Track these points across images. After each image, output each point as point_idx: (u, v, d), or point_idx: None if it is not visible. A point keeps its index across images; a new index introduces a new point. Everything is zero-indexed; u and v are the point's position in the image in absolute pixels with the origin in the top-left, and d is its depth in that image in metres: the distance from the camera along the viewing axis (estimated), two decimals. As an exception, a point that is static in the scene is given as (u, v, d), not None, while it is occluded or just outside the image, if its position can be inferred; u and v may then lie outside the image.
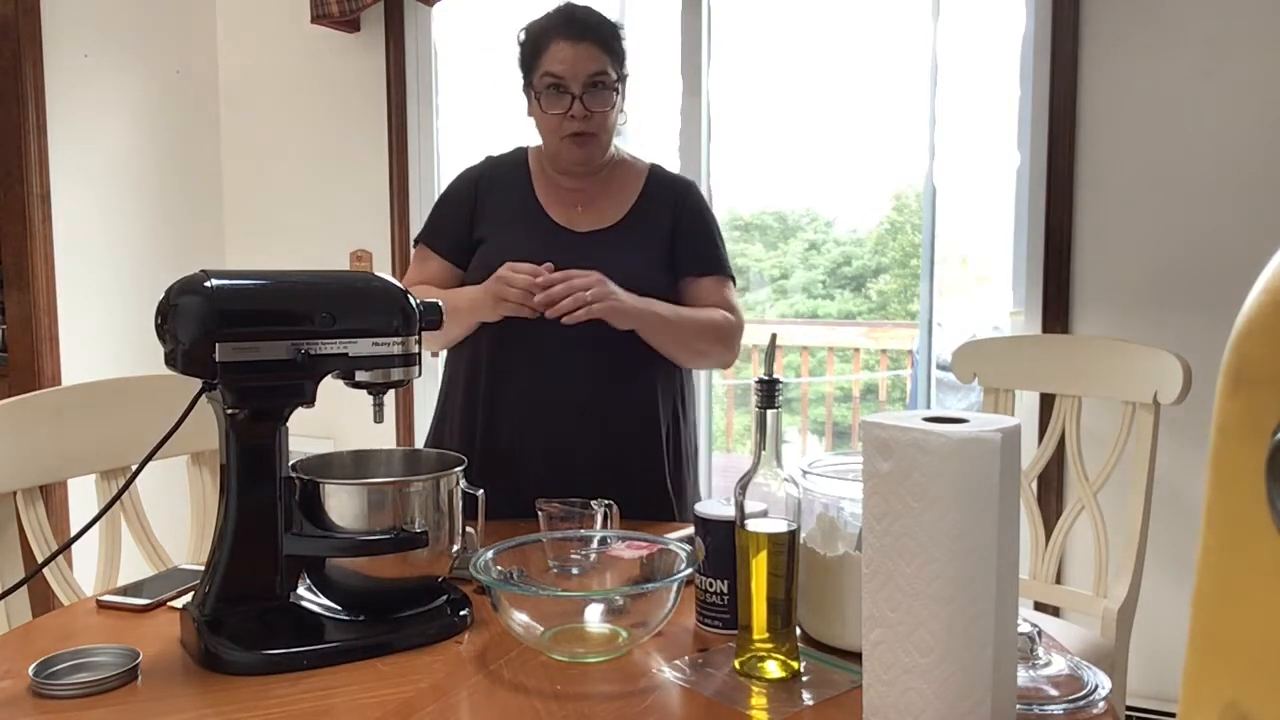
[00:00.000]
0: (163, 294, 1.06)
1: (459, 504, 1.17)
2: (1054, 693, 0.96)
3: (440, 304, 1.21)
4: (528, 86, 1.62)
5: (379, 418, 1.19)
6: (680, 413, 1.70)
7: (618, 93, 1.60)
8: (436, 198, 1.76)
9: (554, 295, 1.45)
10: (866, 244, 7.19)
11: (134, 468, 1.14)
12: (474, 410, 1.62)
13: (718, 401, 6.04)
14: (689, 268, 1.67)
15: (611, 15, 1.63)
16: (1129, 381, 1.82)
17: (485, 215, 1.67)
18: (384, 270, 3.06)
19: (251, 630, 1.05)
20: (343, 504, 1.10)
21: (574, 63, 1.55)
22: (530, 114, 1.64)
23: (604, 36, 1.58)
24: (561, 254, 1.54)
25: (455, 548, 1.17)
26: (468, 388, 1.63)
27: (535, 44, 1.59)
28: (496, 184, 1.69)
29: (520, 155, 1.73)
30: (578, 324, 1.46)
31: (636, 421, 1.62)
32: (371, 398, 1.17)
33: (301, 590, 1.14)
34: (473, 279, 1.60)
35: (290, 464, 1.12)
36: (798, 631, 1.05)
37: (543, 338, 1.53)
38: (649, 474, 1.63)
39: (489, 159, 1.74)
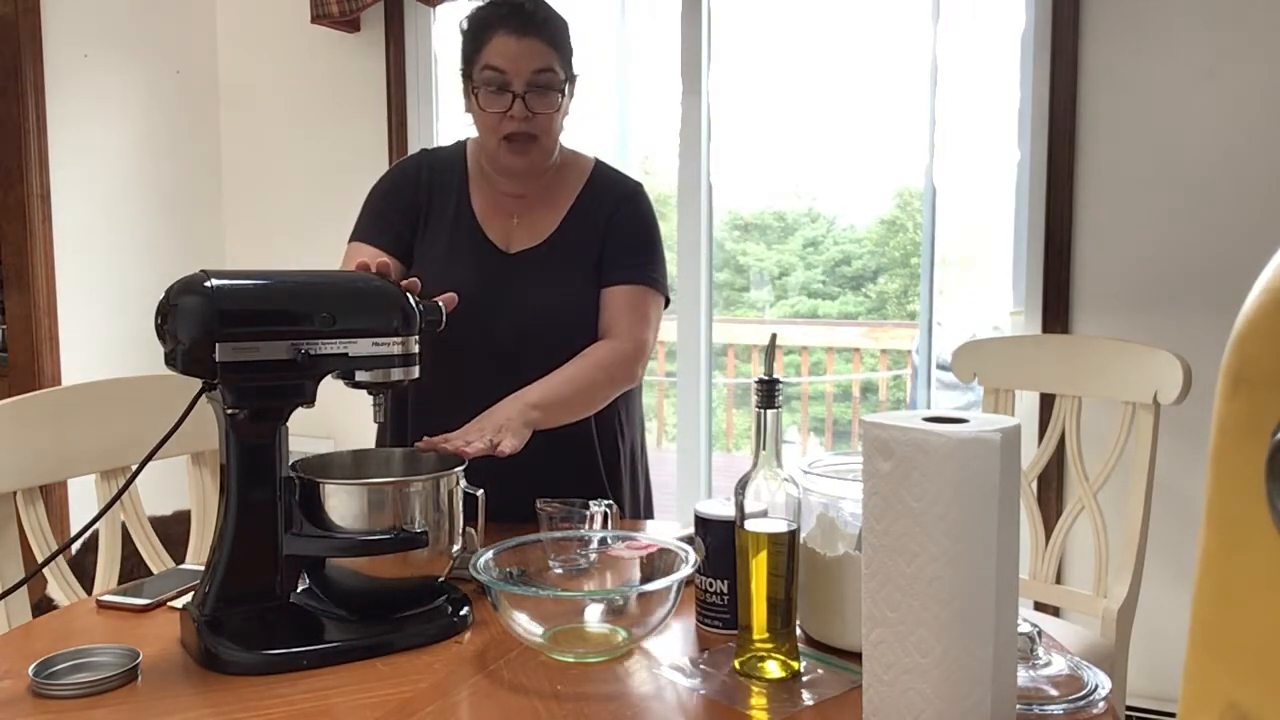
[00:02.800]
0: (163, 294, 1.06)
1: (459, 504, 1.17)
2: (1054, 693, 0.96)
3: (440, 304, 1.21)
4: (466, 79, 1.50)
5: (379, 418, 1.19)
6: (619, 421, 1.64)
7: (564, 94, 1.49)
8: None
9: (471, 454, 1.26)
10: (866, 243, 7.19)
11: (134, 468, 1.14)
12: (402, 435, 1.56)
13: (718, 401, 6.05)
14: (608, 277, 1.56)
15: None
16: (1129, 381, 1.82)
17: (428, 220, 1.58)
18: (384, 270, 3.05)
19: (251, 630, 1.05)
20: (343, 504, 1.10)
21: (517, 58, 1.43)
22: (468, 110, 1.52)
23: (552, 31, 1.47)
24: (492, 279, 1.51)
25: (455, 548, 1.17)
26: (395, 414, 1.55)
27: (477, 34, 1.47)
28: (436, 184, 1.59)
29: (458, 152, 1.62)
30: (502, 348, 1.43)
31: (568, 435, 1.50)
32: (371, 398, 1.17)
33: (301, 590, 1.14)
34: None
35: (290, 464, 1.12)
36: (798, 631, 1.05)
37: (463, 363, 1.47)
38: (589, 483, 1.58)
39: (424, 152, 1.65)
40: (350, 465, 1.25)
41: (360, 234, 1.61)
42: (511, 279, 1.54)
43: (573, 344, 1.52)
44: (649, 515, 1.73)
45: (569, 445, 1.52)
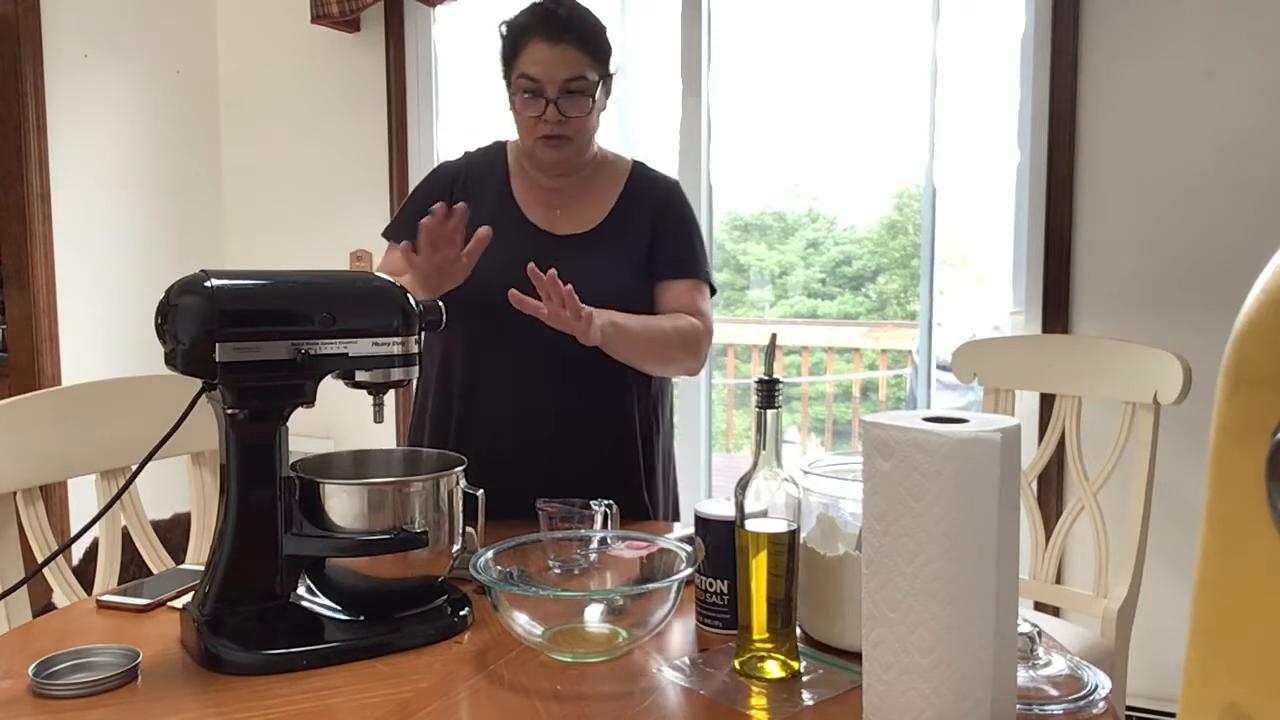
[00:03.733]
0: (163, 294, 1.06)
1: (459, 504, 1.17)
2: (1054, 693, 0.96)
3: (441, 304, 1.21)
4: (507, 82, 1.58)
5: (379, 418, 1.19)
6: (656, 419, 1.67)
7: (595, 98, 1.54)
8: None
9: (552, 292, 1.36)
10: (866, 244, 7.19)
11: (134, 468, 1.14)
12: (447, 419, 1.59)
13: (718, 401, 6.04)
14: (663, 271, 1.62)
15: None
16: (1129, 381, 1.82)
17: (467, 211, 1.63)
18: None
19: (251, 630, 1.05)
20: (343, 504, 1.10)
21: (550, 65, 1.49)
22: (510, 110, 1.59)
23: (584, 36, 1.52)
24: (540, 258, 1.50)
25: (455, 548, 1.17)
26: (440, 396, 1.61)
27: (514, 42, 1.54)
28: (474, 183, 1.65)
29: (499, 150, 1.68)
30: (550, 332, 1.41)
31: (609, 427, 1.59)
32: (371, 398, 1.17)
33: (301, 590, 1.14)
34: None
35: (290, 464, 1.12)
36: (798, 631, 1.05)
37: (511, 346, 1.51)
38: (624, 478, 1.60)
39: (467, 155, 1.70)
40: (350, 465, 1.25)
41: (394, 232, 1.65)
42: (560, 259, 1.54)
43: None
44: (675, 517, 1.74)
45: (615, 435, 1.59)
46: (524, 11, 1.55)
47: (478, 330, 1.53)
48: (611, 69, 1.58)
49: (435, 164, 3.12)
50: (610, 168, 1.67)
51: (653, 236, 1.62)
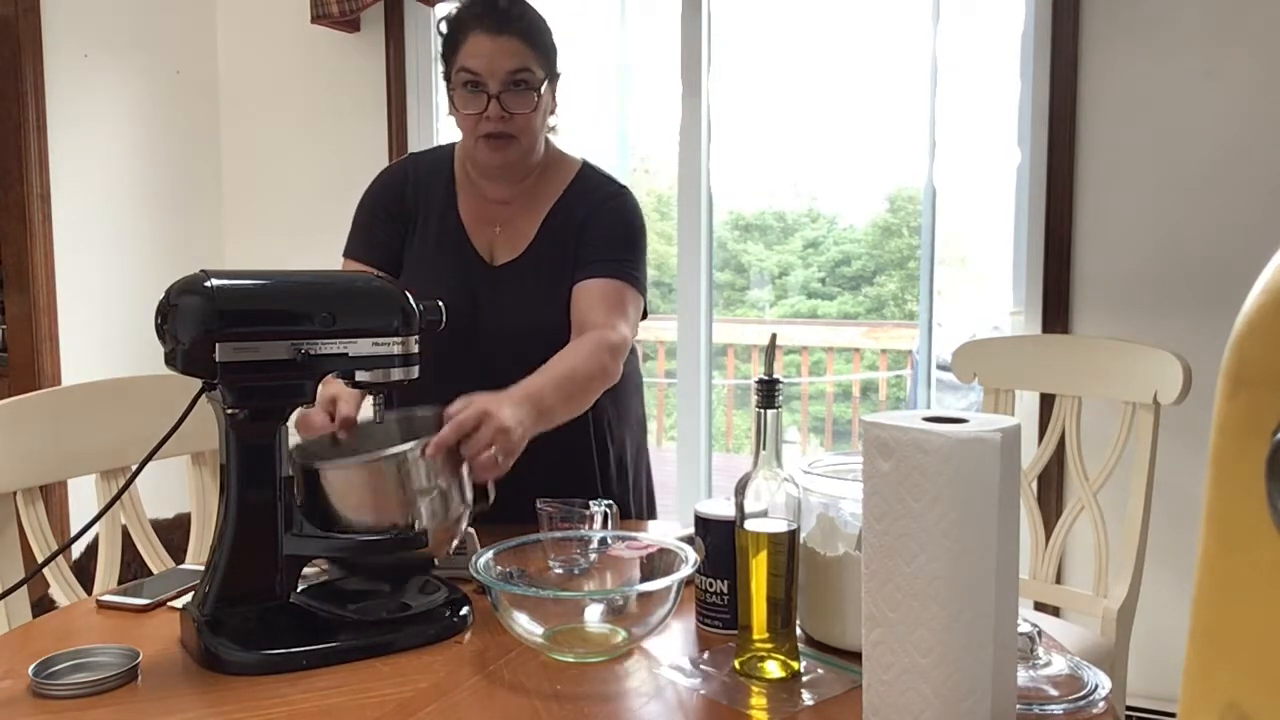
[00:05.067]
0: (163, 294, 1.06)
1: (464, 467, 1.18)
2: (1054, 693, 0.96)
3: (441, 305, 1.21)
4: (447, 81, 1.50)
5: (379, 418, 1.19)
6: (610, 415, 1.62)
7: (540, 93, 1.46)
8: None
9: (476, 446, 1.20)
10: (863, 244, 7.20)
11: (134, 468, 1.14)
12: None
13: (718, 401, 6.05)
14: (582, 271, 1.52)
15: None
16: (1129, 381, 1.82)
17: (415, 227, 1.57)
18: (384, 270, 3.06)
19: (251, 630, 1.05)
20: (347, 484, 1.12)
21: (491, 59, 1.42)
22: (450, 112, 1.52)
23: (528, 30, 1.45)
24: (475, 291, 1.51)
25: (473, 506, 1.19)
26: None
27: (453, 35, 1.47)
28: (422, 190, 1.58)
29: (445, 157, 1.60)
30: (493, 363, 1.39)
31: (567, 434, 1.44)
32: (371, 398, 1.17)
33: (301, 590, 1.14)
34: None
35: (291, 447, 1.12)
36: (798, 631, 1.05)
37: (450, 377, 1.37)
38: (589, 480, 1.59)
39: (412, 157, 1.64)
40: (348, 441, 1.24)
41: (352, 250, 1.61)
42: (494, 292, 1.53)
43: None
44: (651, 515, 1.73)
45: (561, 446, 1.45)
46: (461, 6, 1.47)
47: (426, 361, 1.33)
48: (558, 69, 1.51)
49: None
50: (556, 171, 1.58)
51: (578, 243, 1.53)
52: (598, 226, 1.54)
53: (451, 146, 1.63)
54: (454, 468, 1.17)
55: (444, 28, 1.49)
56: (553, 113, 1.54)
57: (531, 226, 1.55)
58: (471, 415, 1.18)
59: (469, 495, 1.19)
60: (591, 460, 1.61)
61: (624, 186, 1.61)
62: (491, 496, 1.24)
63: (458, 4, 1.49)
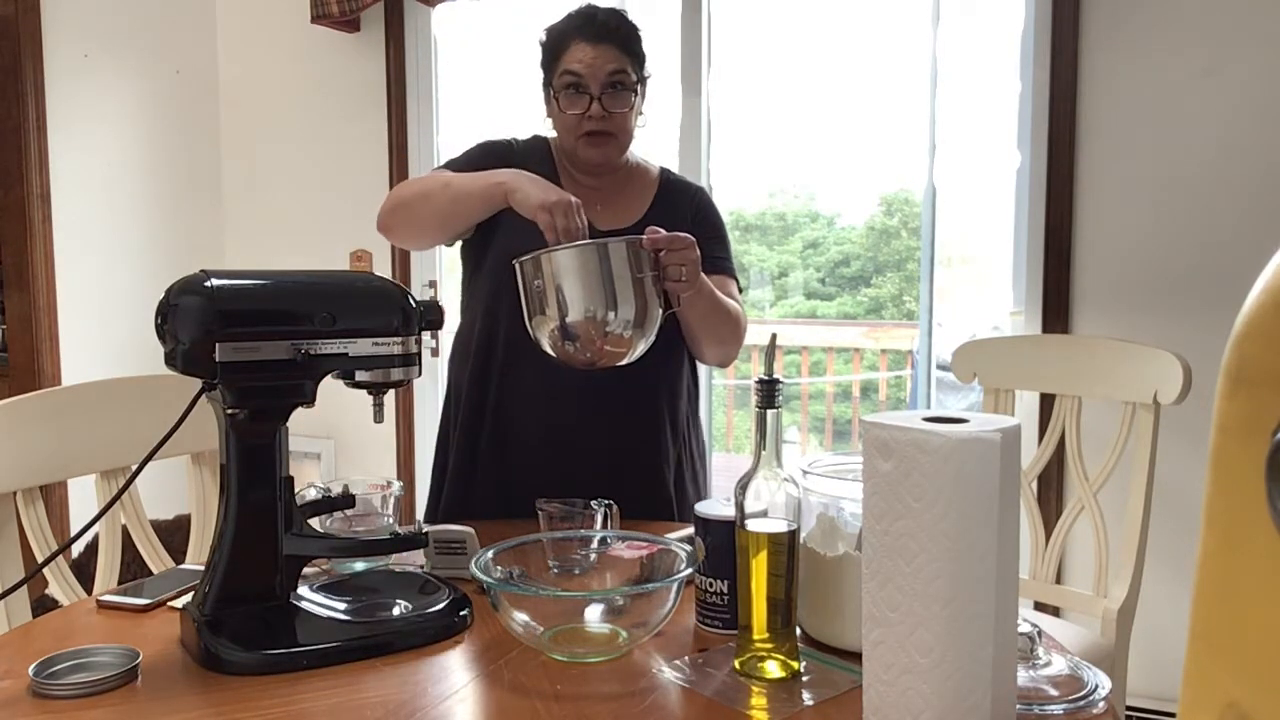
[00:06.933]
0: (163, 294, 1.06)
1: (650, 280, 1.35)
2: (1054, 693, 0.96)
3: (440, 304, 1.21)
4: (547, 86, 1.62)
5: (379, 418, 1.19)
6: (690, 416, 1.70)
7: (636, 94, 1.60)
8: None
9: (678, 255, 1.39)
10: (860, 244, 7.20)
11: (134, 468, 1.14)
12: (485, 390, 1.62)
13: (718, 401, 6.04)
14: (705, 266, 1.60)
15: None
16: (1129, 381, 1.82)
17: None
18: (384, 270, 3.06)
19: (251, 630, 1.05)
20: (572, 263, 1.31)
21: (593, 63, 1.55)
22: (549, 115, 1.64)
23: (624, 38, 1.58)
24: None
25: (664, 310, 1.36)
26: (479, 369, 1.62)
27: (555, 44, 1.59)
28: (529, 164, 1.65)
29: (542, 145, 1.71)
30: None
31: (641, 417, 1.62)
32: (371, 398, 1.17)
33: (302, 590, 1.14)
34: (493, 264, 1.58)
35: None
36: (798, 631, 1.05)
37: None
38: (650, 473, 1.63)
39: (514, 141, 1.71)
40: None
41: (454, 166, 1.66)
42: None
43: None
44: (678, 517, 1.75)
45: (648, 426, 1.63)
46: (564, 17, 1.61)
47: (515, 315, 1.47)
48: (647, 73, 1.63)
49: (435, 164, 3.13)
50: (642, 173, 1.72)
51: (693, 232, 1.63)
52: (705, 222, 1.69)
53: (545, 139, 1.71)
54: (656, 269, 1.35)
55: (544, 37, 1.62)
56: (640, 113, 1.65)
57: (639, 206, 1.67)
58: (674, 234, 1.39)
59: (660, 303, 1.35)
60: (669, 457, 1.66)
61: (702, 185, 1.80)
62: (675, 306, 1.41)
63: (556, 18, 1.62)
